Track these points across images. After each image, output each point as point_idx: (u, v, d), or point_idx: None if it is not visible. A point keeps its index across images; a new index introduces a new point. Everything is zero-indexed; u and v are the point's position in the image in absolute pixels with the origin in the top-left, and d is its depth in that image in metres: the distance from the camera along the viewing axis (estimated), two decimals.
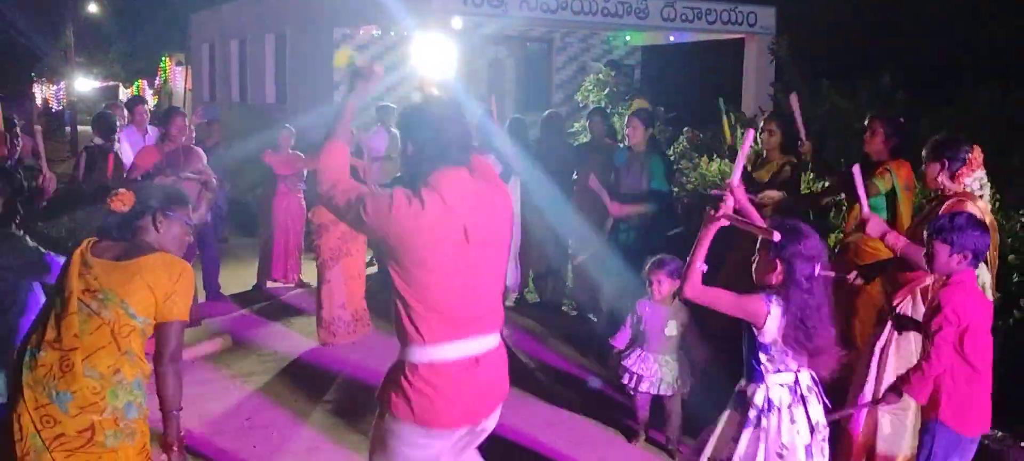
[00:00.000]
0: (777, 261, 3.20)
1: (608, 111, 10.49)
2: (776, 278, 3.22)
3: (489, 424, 3.06)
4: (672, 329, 4.79)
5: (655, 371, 4.77)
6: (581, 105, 12.99)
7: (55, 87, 38.19)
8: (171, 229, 3.28)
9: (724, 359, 5.04)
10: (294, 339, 6.99)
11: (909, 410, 4.15)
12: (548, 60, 16.62)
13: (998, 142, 7.94)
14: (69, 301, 3.01)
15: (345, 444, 4.92)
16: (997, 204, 6.28)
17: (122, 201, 3.21)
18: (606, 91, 12.50)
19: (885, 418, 4.25)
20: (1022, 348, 5.14)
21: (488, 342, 2.98)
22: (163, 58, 29.54)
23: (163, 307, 3.08)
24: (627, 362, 4.87)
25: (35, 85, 35.40)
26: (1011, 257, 5.36)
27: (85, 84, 32.93)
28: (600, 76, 12.85)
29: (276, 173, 8.37)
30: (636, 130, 6.65)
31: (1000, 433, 5.09)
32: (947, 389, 3.52)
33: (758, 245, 3.32)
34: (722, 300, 3.24)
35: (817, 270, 3.16)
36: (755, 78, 12.98)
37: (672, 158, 9.58)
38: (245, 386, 5.85)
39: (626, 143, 6.88)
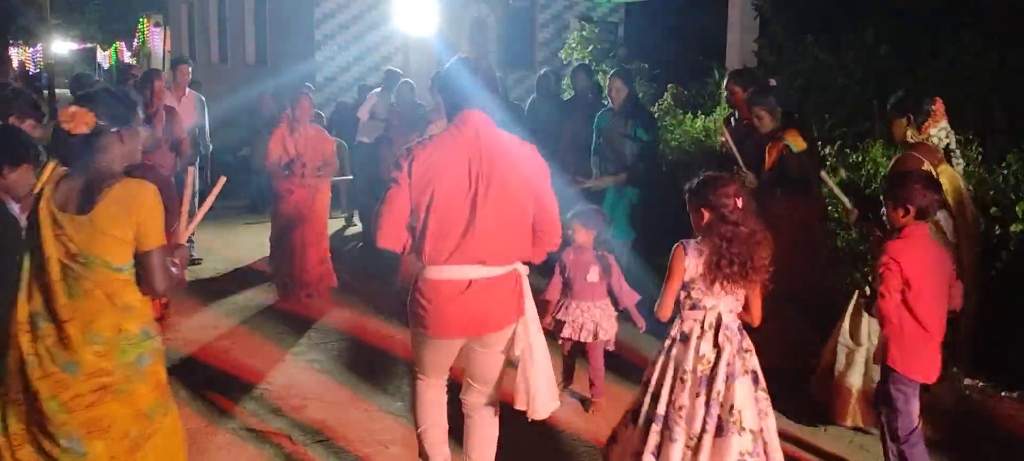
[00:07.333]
0: (703, 209, 3.51)
1: (593, 68, 10.42)
2: (706, 222, 3.51)
3: (493, 340, 3.46)
4: (593, 275, 4.82)
5: (576, 317, 4.81)
6: (565, 62, 12.91)
7: (32, 49, 37.59)
8: (135, 139, 3.06)
9: None
10: (249, 295, 7.01)
11: (861, 349, 4.47)
12: (531, 18, 16.49)
13: (982, 95, 7.97)
14: (49, 266, 2.89)
15: (343, 382, 4.95)
16: (979, 157, 6.31)
17: (83, 121, 2.89)
18: (590, 48, 12.42)
19: (842, 353, 4.54)
20: (1002, 300, 5.19)
21: (487, 272, 3.33)
22: (140, 19, 29.07)
23: (138, 242, 2.94)
24: (558, 314, 4.89)
25: (11, 48, 34.82)
26: (993, 209, 5.39)
27: (62, 46, 32.44)
28: (584, 33, 12.76)
29: None
30: (619, 92, 6.68)
31: (981, 382, 5.16)
32: (895, 336, 3.69)
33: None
34: (668, 287, 3.54)
35: (738, 203, 3.46)
36: (739, 34, 12.88)
37: (656, 115, 9.55)
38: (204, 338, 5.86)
39: (608, 104, 6.90)
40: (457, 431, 3.77)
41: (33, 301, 2.93)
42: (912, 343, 3.69)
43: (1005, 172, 5.78)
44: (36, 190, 2.97)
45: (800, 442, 4.47)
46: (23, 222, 3.41)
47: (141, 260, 2.95)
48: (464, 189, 3.27)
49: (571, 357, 5.04)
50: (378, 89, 10.48)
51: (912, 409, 3.74)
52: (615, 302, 4.91)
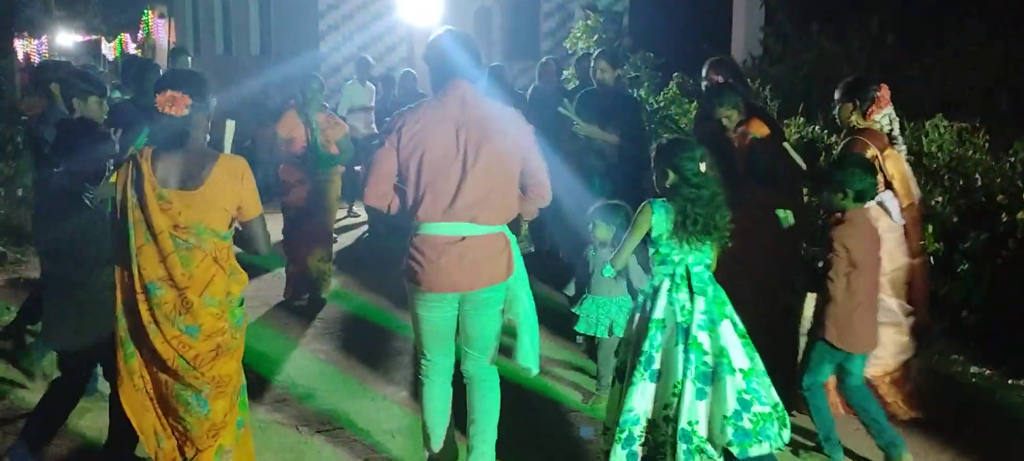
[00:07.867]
0: (668, 170, 3.65)
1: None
2: (670, 183, 3.65)
3: (485, 298, 3.55)
4: (609, 271, 4.81)
5: (591, 312, 4.80)
6: (570, 52, 12.88)
7: (36, 41, 37.59)
8: (209, 117, 3.31)
9: None
10: (255, 286, 6.95)
11: None
12: (535, 7, 16.45)
13: (987, 84, 7.96)
14: (161, 239, 3.13)
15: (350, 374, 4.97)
16: (985, 145, 6.31)
17: (183, 103, 3.14)
18: (595, 38, 12.39)
19: (802, 345, 4.56)
20: (1009, 288, 5.19)
21: (478, 230, 3.45)
22: (145, 10, 29.06)
23: (241, 212, 3.27)
24: (575, 308, 4.89)
25: (16, 40, 34.80)
26: (1000, 198, 5.38)
27: (67, 38, 32.38)
28: (589, 23, 12.73)
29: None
30: (604, 72, 6.66)
31: (988, 371, 5.16)
32: (837, 314, 3.93)
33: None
34: (628, 240, 3.76)
35: (702, 168, 3.60)
36: (744, 22, 12.85)
37: (661, 104, 9.55)
38: None
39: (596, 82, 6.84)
40: (461, 419, 3.78)
41: (147, 271, 3.17)
42: (849, 318, 3.94)
43: (1011, 160, 5.78)
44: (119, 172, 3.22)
45: (807, 433, 4.47)
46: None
47: (245, 228, 3.33)
48: (453, 151, 3.41)
49: (590, 354, 4.94)
50: (350, 81, 10.50)
51: (824, 369, 4.07)
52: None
